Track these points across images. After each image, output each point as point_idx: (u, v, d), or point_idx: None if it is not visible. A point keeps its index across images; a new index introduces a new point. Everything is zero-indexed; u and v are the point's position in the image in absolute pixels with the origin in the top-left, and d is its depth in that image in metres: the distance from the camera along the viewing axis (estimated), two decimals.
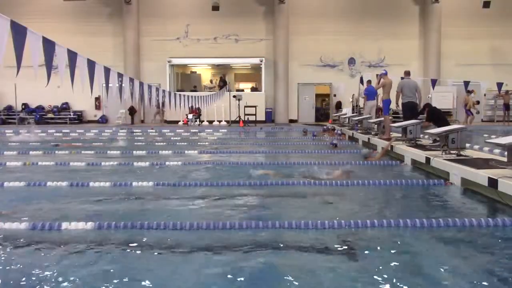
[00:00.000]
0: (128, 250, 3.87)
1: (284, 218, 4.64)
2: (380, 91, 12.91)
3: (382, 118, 12.23)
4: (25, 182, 6.56)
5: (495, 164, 6.22)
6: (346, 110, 20.64)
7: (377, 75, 16.58)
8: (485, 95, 22.28)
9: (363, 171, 7.90)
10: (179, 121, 22.39)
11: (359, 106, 20.49)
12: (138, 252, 3.84)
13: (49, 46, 5.12)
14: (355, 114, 17.60)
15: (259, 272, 3.39)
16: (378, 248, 3.90)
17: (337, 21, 24.12)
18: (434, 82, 17.86)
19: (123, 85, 7.93)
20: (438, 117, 10.07)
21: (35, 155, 10.22)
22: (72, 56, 5.83)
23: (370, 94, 15.10)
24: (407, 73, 11.87)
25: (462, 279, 3.24)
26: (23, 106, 24.21)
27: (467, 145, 8.16)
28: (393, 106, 12.92)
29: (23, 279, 3.25)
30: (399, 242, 4.05)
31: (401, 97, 11.27)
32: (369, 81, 16.25)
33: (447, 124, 9.21)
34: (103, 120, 24.25)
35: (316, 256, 3.71)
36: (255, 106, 21.78)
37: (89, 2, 23.64)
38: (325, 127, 16.48)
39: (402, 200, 5.83)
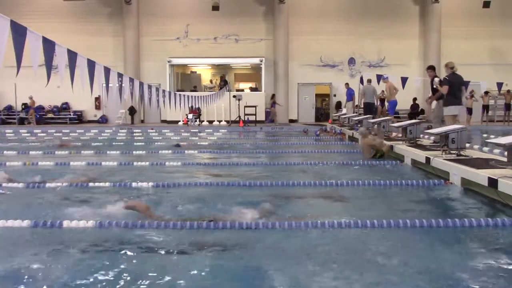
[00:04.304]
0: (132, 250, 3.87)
1: (288, 217, 4.64)
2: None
3: (383, 118, 12.38)
4: None
5: (495, 164, 6.22)
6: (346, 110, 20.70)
7: (377, 75, 16.87)
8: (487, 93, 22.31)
9: (362, 171, 7.90)
10: (179, 121, 22.42)
11: (359, 106, 20.56)
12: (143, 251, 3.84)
13: (49, 46, 5.12)
14: (355, 114, 17.65)
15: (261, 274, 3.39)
16: (378, 248, 3.90)
17: (337, 21, 24.13)
18: None
19: (123, 85, 7.93)
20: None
21: None
22: (72, 56, 5.83)
23: (349, 95, 19.30)
24: (369, 81, 15.87)
25: (461, 279, 3.24)
26: (23, 106, 24.23)
27: (467, 145, 8.16)
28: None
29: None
30: (399, 242, 4.05)
31: (363, 99, 15.87)
32: (347, 84, 20.10)
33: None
34: (103, 120, 24.27)
35: (317, 255, 3.71)
36: (255, 106, 21.79)
37: (89, 2, 23.68)
38: (322, 127, 16.88)
39: (402, 200, 5.83)
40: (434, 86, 9.92)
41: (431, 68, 10.35)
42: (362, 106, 16.20)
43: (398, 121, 12.75)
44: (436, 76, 10.30)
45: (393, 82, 16.25)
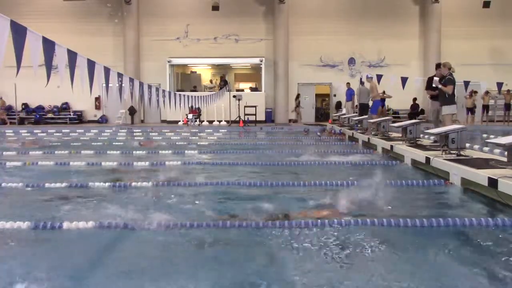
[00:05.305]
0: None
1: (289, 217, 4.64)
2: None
3: (383, 118, 12.42)
4: None
5: (495, 164, 6.23)
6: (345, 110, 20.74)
7: (377, 75, 16.98)
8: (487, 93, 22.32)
9: (362, 170, 7.90)
10: (179, 121, 22.41)
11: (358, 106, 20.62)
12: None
13: (48, 46, 5.11)
14: (355, 114, 17.67)
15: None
16: (378, 248, 3.90)
17: (337, 21, 24.13)
18: None
19: (123, 85, 7.92)
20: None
21: None
22: (72, 56, 5.82)
23: (349, 95, 19.31)
24: (362, 83, 16.34)
25: (461, 279, 3.24)
26: (23, 106, 24.22)
27: (467, 145, 8.17)
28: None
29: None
30: (399, 242, 4.05)
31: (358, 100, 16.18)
32: (348, 83, 19.89)
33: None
34: (103, 120, 24.27)
35: (316, 255, 3.71)
36: (255, 106, 21.79)
37: (89, 2, 23.66)
38: (324, 127, 17.01)
39: (402, 200, 5.83)
40: (434, 86, 9.98)
41: (440, 66, 10.39)
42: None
43: (398, 121, 12.77)
44: (436, 76, 10.36)
45: (379, 83, 16.59)
